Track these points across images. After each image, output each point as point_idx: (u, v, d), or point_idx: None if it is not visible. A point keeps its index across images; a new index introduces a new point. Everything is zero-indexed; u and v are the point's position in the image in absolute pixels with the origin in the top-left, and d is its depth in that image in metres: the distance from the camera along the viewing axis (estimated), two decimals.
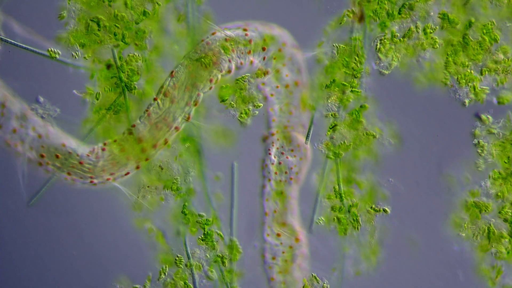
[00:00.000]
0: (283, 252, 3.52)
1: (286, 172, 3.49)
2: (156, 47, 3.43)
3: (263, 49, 3.39)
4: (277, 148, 3.45)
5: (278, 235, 3.52)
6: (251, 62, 3.41)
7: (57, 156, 3.42)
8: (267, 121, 3.49)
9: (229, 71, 3.41)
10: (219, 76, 3.40)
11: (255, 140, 3.50)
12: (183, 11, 3.42)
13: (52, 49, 3.42)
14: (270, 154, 3.45)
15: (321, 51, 3.43)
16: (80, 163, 3.43)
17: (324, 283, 3.52)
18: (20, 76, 3.47)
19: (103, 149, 3.44)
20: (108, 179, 3.45)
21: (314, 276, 3.52)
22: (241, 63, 3.40)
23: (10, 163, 3.47)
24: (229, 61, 3.38)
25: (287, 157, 3.47)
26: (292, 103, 3.44)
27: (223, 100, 3.46)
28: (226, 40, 3.30)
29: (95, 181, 3.45)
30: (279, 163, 3.48)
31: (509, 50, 3.40)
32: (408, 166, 3.49)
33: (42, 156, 3.42)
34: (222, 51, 3.35)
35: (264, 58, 3.41)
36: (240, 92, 3.45)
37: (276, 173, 3.48)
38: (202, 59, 3.32)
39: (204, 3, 3.42)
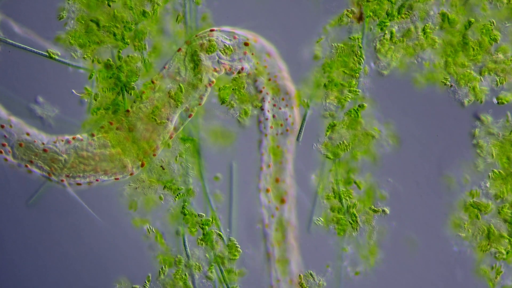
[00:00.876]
0: (272, 216, 3.50)
1: (281, 125, 3.47)
2: (154, 47, 3.43)
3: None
4: (269, 102, 3.44)
5: (268, 190, 3.50)
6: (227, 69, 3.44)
7: (20, 145, 3.42)
8: (254, 88, 3.49)
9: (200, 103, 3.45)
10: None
11: (254, 140, 3.50)
12: (182, 11, 3.43)
13: (52, 50, 3.42)
14: (263, 110, 3.44)
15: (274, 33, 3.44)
16: (45, 150, 3.43)
17: (320, 280, 3.51)
18: (20, 76, 3.48)
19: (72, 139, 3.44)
20: (62, 180, 3.46)
21: (310, 273, 3.51)
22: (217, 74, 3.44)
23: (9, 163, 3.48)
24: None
25: (280, 108, 3.46)
26: (261, 57, 3.44)
27: (223, 102, 3.47)
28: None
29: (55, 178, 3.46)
30: (273, 116, 3.46)
31: (508, 50, 3.40)
32: (407, 166, 3.48)
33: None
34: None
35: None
36: (239, 91, 3.46)
37: (271, 127, 3.47)
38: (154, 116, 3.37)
39: (202, 3, 3.43)
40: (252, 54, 3.43)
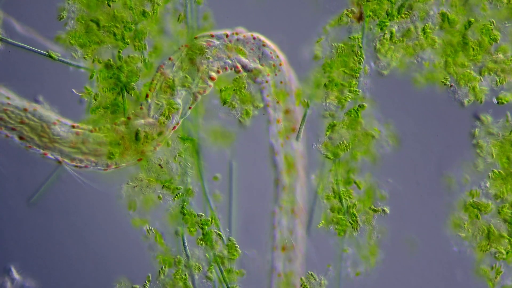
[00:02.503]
0: (282, 145, 3.49)
1: (274, 65, 3.48)
2: (155, 47, 3.43)
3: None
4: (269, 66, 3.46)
5: (278, 121, 3.49)
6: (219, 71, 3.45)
7: None
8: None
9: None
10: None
11: (253, 140, 3.50)
12: (183, 11, 3.43)
13: (52, 50, 3.43)
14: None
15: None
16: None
17: (321, 279, 3.51)
18: (20, 76, 3.48)
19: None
20: (45, 154, 3.46)
21: (311, 274, 3.51)
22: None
23: (10, 161, 3.49)
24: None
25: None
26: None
27: (225, 103, 3.47)
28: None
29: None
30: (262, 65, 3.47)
31: (508, 50, 3.40)
32: (407, 167, 3.48)
33: None
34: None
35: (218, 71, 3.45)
36: (240, 91, 3.46)
37: (268, 74, 3.46)
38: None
39: (203, 3, 3.43)
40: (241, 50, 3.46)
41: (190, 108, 3.44)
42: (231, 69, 3.45)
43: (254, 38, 3.46)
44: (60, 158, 3.45)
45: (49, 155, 3.45)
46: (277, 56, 3.46)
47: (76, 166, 3.46)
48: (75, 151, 3.45)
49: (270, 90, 3.47)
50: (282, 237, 3.53)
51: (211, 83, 3.44)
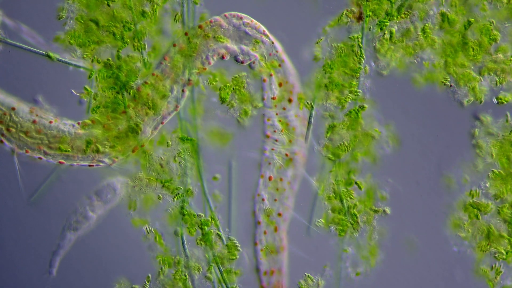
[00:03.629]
0: (280, 120, 3.48)
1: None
2: (154, 47, 3.43)
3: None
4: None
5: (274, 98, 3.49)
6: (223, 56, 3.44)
7: None
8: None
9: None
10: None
11: (253, 140, 3.50)
12: (180, 11, 3.43)
13: (51, 50, 3.43)
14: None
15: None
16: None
17: (318, 279, 3.51)
18: (20, 76, 3.48)
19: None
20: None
21: (308, 275, 3.51)
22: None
23: (10, 161, 3.49)
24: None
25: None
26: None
27: (223, 101, 3.47)
28: None
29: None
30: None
31: (508, 50, 3.39)
32: (407, 167, 3.48)
33: None
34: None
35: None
36: (239, 90, 3.46)
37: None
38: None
39: (200, 3, 3.43)
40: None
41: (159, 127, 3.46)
42: (221, 57, 3.43)
43: (226, 16, 3.43)
44: (15, 148, 3.44)
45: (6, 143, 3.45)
46: (257, 28, 3.44)
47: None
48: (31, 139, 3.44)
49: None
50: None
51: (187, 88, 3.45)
